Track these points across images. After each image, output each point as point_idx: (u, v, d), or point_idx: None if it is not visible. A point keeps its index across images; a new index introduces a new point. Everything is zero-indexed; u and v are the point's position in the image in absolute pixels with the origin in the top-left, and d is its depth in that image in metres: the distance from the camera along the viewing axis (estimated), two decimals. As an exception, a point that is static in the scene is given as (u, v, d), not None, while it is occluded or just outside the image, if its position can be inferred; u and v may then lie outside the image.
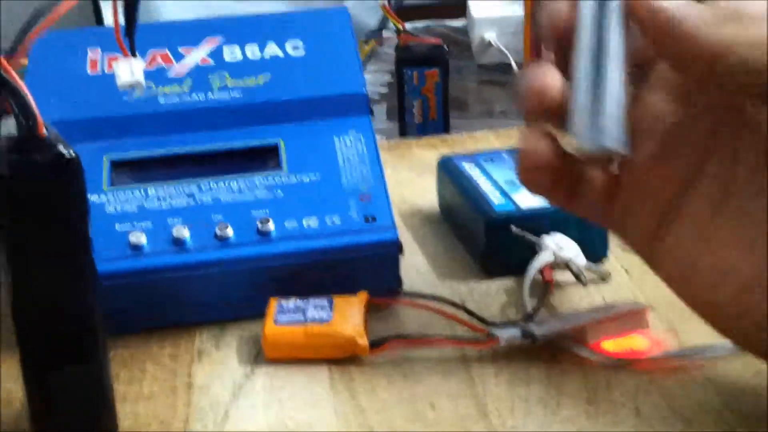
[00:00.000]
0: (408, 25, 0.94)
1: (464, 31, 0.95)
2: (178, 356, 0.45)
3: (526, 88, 0.35)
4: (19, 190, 0.34)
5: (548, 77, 0.35)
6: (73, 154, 0.35)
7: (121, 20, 0.40)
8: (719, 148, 0.35)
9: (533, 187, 0.37)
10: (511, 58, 0.82)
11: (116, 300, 0.44)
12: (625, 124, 0.35)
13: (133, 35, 0.40)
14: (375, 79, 0.85)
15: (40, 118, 0.34)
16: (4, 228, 0.35)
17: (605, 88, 0.34)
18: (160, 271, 0.45)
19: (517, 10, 0.83)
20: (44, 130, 0.34)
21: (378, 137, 0.53)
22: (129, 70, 0.39)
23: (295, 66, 0.53)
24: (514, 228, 0.48)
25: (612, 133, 0.34)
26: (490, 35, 0.84)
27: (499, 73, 0.84)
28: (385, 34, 0.87)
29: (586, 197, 0.37)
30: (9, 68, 0.33)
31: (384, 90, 0.84)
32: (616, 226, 0.38)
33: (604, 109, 0.34)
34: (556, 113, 0.35)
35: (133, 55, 0.39)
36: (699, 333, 0.41)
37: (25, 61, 0.46)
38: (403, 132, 0.71)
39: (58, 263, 0.36)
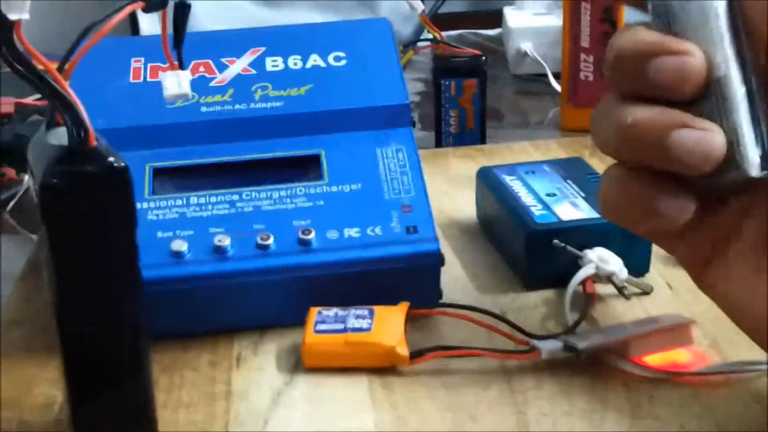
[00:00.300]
0: (443, 34, 0.94)
1: (499, 41, 0.95)
2: (216, 363, 0.45)
3: (694, 152, 0.32)
4: (70, 201, 0.34)
5: (715, 137, 0.32)
6: (123, 165, 0.35)
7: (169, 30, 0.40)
8: None
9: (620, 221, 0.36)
10: (547, 69, 0.82)
11: (156, 306, 0.44)
12: None
13: (181, 47, 0.40)
14: (409, 87, 0.85)
15: (91, 130, 0.34)
16: (52, 239, 0.35)
17: (759, 112, 0.33)
18: (200, 278, 0.45)
19: (555, 21, 0.83)
20: (95, 141, 0.34)
21: (413, 146, 0.53)
22: (176, 82, 0.39)
23: (337, 76, 0.53)
24: (555, 241, 0.48)
25: None
26: (527, 45, 0.84)
27: (535, 83, 0.84)
28: (421, 43, 0.87)
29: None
30: (62, 80, 0.33)
31: (417, 98, 0.84)
32: (671, 249, 0.38)
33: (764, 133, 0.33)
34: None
35: (182, 67, 0.40)
36: (743, 348, 0.41)
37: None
38: (439, 142, 0.71)
39: (106, 275, 0.36)
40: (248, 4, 0.91)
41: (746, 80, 0.33)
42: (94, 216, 0.35)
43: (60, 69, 0.34)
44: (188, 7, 0.40)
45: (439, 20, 0.88)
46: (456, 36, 0.99)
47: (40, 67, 0.33)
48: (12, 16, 0.31)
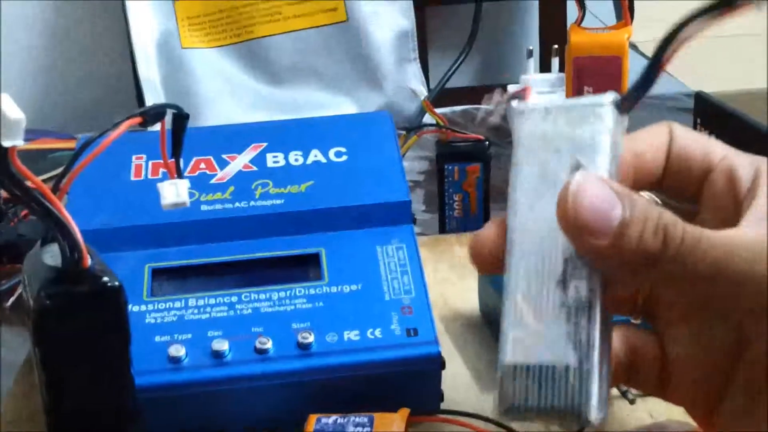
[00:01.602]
0: (447, 109, 0.94)
1: (504, 117, 0.95)
2: (215, 468, 0.44)
3: None
4: (63, 323, 0.34)
5: None
6: (117, 284, 0.35)
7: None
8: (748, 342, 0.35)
9: None
10: (551, 148, 0.82)
11: (155, 412, 0.43)
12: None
13: (179, 155, 0.40)
14: (413, 167, 0.85)
15: (85, 250, 0.34)
16: (44, 357, 0.35)
17: (607, 362, 0.34)
18: (199, 384, 0.45)
19: (558, 99, 0.83)
20: (88, 261, 0.34)
21: (416, 230, 0.52)
22: (174, 192, 0.39)
23: (338, 173, 0.53)
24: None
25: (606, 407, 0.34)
26: (531, 125, 0.84)
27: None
28: (425, 127, 0.87)
29: (643, 383, 0.38)
30: (56, 202, 0.33)
31: (421, 178, 0.84)
32: (676, 403, 0.39)
33: (608, 385, 0.34)
34: None
35: (180, 176, 0.40)
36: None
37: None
38: (443, 226, 0.70)
39: (98, 390, 0.36)
40: (253, 82, 0.92)
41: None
42: (86, 334, 0.35)
43: (54, 189, 0.34)
44: (186, 117, 0.40)
45: (444, 95, 0.88)
46: (461, 111, 0.99)
47: (34, 188, 0.33)
48: (6, 143, 0.31)
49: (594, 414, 0.33)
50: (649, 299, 0.39)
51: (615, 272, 0.34)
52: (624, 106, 0.35)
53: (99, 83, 1.03)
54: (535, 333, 0.35)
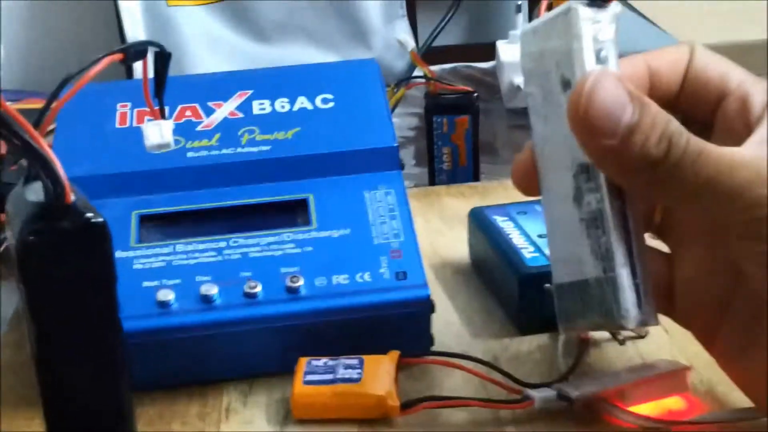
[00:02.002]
0: (436, 68, 0.93)
1: (493, 74, 0.94)
2: (206, 415, 0.44)
3: None
4: (47, 258, 0.33)
5: None
6: (101, 220, 0.34)
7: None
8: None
9: None
10: (541, 103, 0.81)
11: (143, 358, 0.43)
12: (653, 298, 0.36)
13: (162, 96, 0.39)
14: (403, 123, 0.85)
15: (67, 186, 0.33)
16: (30, 296, 0.34)
17: (640, 268, 0.35)
18: (187, 329, 0.44)
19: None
20: (71, 197, 0.33)
21: (407, 183, 0.52)
22: (158, 132, 0.39)
23: (325, 119, 0.53)
24: (547, 285, 0.47)
25: (651, 312, 0.36)
26: (520, 79, 0.84)
27: (528, 117, 0.84)
28: (413, 80, 0.86)
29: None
30: (38, 137, 0.32)
31: (412, 134, 0.84)
32: (681, 324, 0.40)
33: (643, 290, 0.35)
34: None
35: (163, 117, 0.39)
36: (739, 394, 0.40)
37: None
38: (432, 179, 0.70)
39: (85, 329, 0.36)
40: (241, 40, 0.91)
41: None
42: (71, 272, 0.35)
43: (36, 124, 0.33)
44: (169, 56, 0.39)
45: (433, 53, 0.88)
46: (450, 69, 0.98)
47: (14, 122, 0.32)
48: (-15, 74, 0.30)
49: (627, 318, 0.35)
50: (665, 218, 0.39)
51: (618, 177, 0.34)
52: (598, 0, 0.34)
53: (85, 45, 1.02)
54: (567, 252, 0.37)
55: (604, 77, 0.33)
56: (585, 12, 0.35)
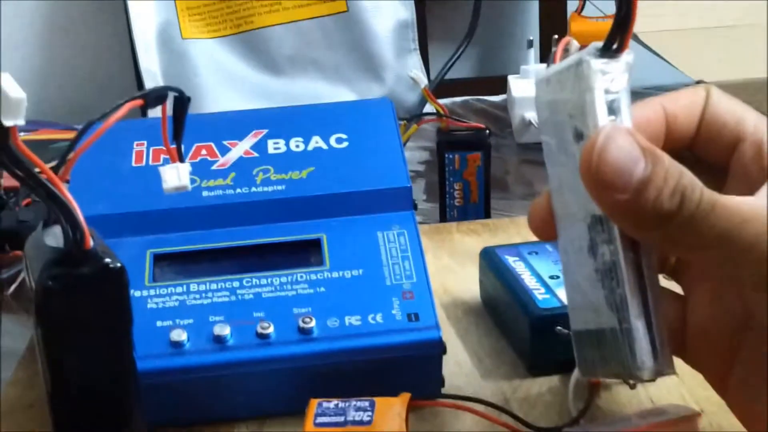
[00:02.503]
0: (447, 101, 0.94)
1: (504, 107, 0.95)
2: (217, 453, 0.45)
3: None
4: (65, 304, 0.34)
5: None
6: (119, 266, 0.35)
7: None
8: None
9: None
10: (552, 138, 0.82)
11: (156, 396, 0.43)
12: (669, 346, 0.36)
13: (180, 139, 0.40)
14: (413, 157, 0.85)
15: (87, 232, 0.34)
16: (47, 339, 0.35)
17: (655, 318, 0.35)
18: (200, 369, 0.45)
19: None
20: (90, 242, 0.34)
21: (418, 218, 0.52)
22: (176, 175, 0.39)
23: (339, 159, 0.53)
24: (558, 328, 0.47)
25: (667, 360, 0.36)
26: (531, 115, 0.84)
27: (539, 152, 0.84)
28: (425, 116, 0.87)
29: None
30: (59, 183, 0.33)
31: (422, 168, 0.84)
32: (694, 367, 0.40)
33: (659, 340, 0.35)
34: None
35: (181, 160, 0.40)
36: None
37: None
38: (443, 215, 0.70)
39: (100, 373, 0.36)
40: (253, 73, 0.92)
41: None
42: (89, 315, 0.35)
43: (56, 170, 0.34)
44: (188, 100, 0.40)
45: (445, 86, 0.88)
46: (461, 102, 0.99)
47: (36, 170, 0.33)
48: (7, 123, 0.31)
49: (643, 370, 0.35)
50: (679, 260, 0.39)
51: (631, 231, 0.34)
52: (610, 50, 0.34)
53: (100, 76, 1.03)
54: (584, 300, 0.37)
55: (615, 133, 0.33)
56: (596, 64, 0.34)
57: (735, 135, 0.37)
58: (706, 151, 0.38)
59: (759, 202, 0.34)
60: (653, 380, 0.46)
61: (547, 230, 0.39)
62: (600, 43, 0.35)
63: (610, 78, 0.35)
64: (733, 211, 0.33)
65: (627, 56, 0.35)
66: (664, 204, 0.32)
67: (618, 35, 0.34)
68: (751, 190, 0.35)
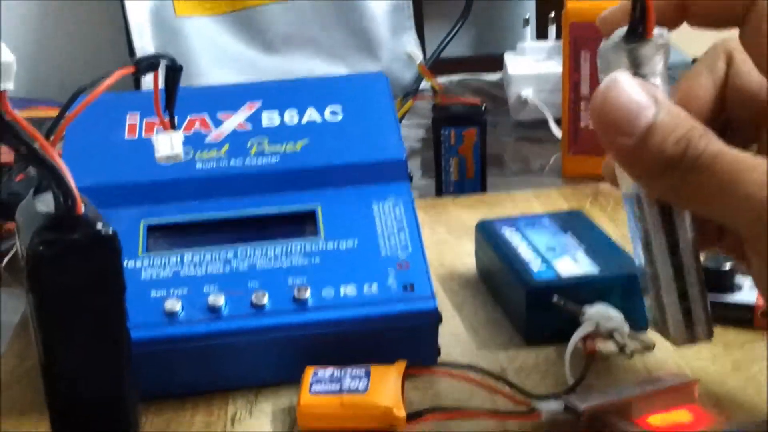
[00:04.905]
0: (443, 79, 0.94)
1: (500, 85, 0.94)
2: (211, 424, 0.44)
3: None
4: (57, 270, 0.34)
5: None
6: (111, 231, 0.34)
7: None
8: None
9: None
10: (548, 115, 0.82)
11: (150, 367, 0.43)
12: (708, 315, 0.38)
13: (173, 108, 0.40)
14: (410, 134, 0.85)
15: (78, 197, 0.33)
16: (39, 307, 0.34)
17: (691, 289, 0.37)
18: (194, 339, 0.45)
19: (554, 67, 0.83)
20: (82, 208, 0.34)
21: (414, 194, 0.52)
22: (168, 143, 0.39)
23: (334, 131, 0.53)
24: (555, 297, 0.47)
25: (703, 329, 0.38)
26: (527, 92, 0.84)
27: (535, 129, 0.84)
28: (422, 88, 0.87)
29: None
30: (50, 149, 0.33)
31: (418, 145, 0.84)
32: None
33: (694, 310, 0.37)
34: None
35: (173, 128, 0.39)
36: (746, 406, 0.40)
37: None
38: (440, 190, 0.70)
39: (93, 340, 0.36)
40: (248, 51, 0.91)
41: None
42: (81, 282, 0.35)
43: (47, 136, 0.34)
44: (180, 69, 0.39)
45: (441, 65, 0.88)
46: (457, 81, 0.99)
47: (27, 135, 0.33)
48: (-3, 86, 0.31)
49: (675, 337, 0.38)
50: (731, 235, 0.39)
51: (636, 177, 0.34)
52: (636, 35, 0.35)
53: (93, 54, 1.02)
54: (640, 264, 0.38)
55: (621, 78, 0.33)
56: (621, 46, 0.35)
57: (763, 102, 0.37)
58: (736, 117, 0.38)
59: (759, 157, 0.33)
60: (644, 344, 0.47)
61: (613, 181, 0.39)
62: (621, 31, 0.35)
63: (637, 61, 0.35)
64: (733, 161, 0.33)
65: (658, 38, 0.35)
66: (668, 149, 0.32)
67: (639, 23, 0.35)
68: None
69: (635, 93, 0.33)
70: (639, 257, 0.38)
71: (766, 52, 0.35)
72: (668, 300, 0.37)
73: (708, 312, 0.38)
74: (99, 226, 0.34)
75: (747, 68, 0.38)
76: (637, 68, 0.35)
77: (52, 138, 0.34)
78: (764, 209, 0.32)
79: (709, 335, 0.38)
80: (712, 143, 0.33)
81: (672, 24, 0.37)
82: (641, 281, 0.39)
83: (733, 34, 0.38)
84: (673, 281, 0.37)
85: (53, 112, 0.81)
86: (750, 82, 0.38)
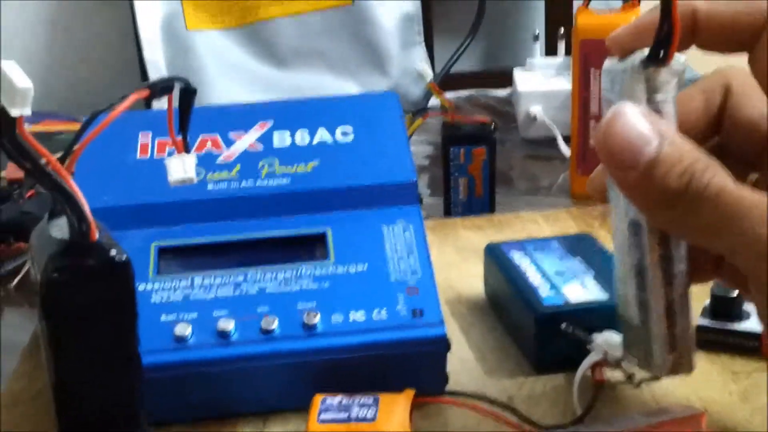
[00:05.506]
0: (452, 95, 0.94)
1: (509, 101, 0.94)
2: (219, 449, 0.44)
3: None
4: (70, 296, 0.34)
5: None
6: (125, 258, 0.34)
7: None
8: None
9: None
10: (557, 133, 0.82)
11: (159, 392, 0.43)
12: (694, 346, 0.37)
13: (186, 130, 0.40)
14: (418, 151, 0.85)
15: (93, 224, 0.33)
16: (52, 332, 0.34)
17: (680, 321, 0.37)
18: (204, 364, 0.44)
19: (564, 84, 0.83)
20: (96, 234, 0.34)
21: (422, 212, 0.52)
22: (181, 167, 0.39)
23: (344, 152, 0.53)
24: (564, 325, 0.47)
25: (688, 360, 0.37)
26: (536, 109, 0.84)
27: (544, 147, 0.84)
28: (431, 103, 0.87)
29: None
30: (65, 173, 0.33)
31: (426, 162, 0.84)
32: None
33: (681, 340, 0.37)
34: None
35: (187, 151, 0.39)
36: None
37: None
38: (448, 209, 0.70)
39: (105, 365, 0.36)
40: (257, 65, 0.91)
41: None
42: (94, 308, 0.35)
43: (62, 160, 0.34)
44: (194, 91, 0.39)
45: (449, 80, 0.88)
46: (466, 97, 0.99)
47: (42, 160, 0.33)
48: (14, 112, 0.31)
49: (656, 368, 0.37)
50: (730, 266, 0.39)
51: (642, 209, 0.35)
52: (657, 59, 0.34)
53: (104, 67, 1.02)
54: (621, 288, 0.38)
55: (625, 110, 0.33)
56: (640, 72, 0.35)
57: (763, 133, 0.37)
58: (736, 151, 0.38)
59: (761, 194, 0.33)
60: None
61: (599, 197, 0.39)
62: (642, 54, 0.35)
63: (654, 86, 0.35)
64: (736, 198, 0.32)
65: (676, 63, 0.35)
66: (671, 182, 0.32)
67: (662, 48, 0.34)
68: None
69: (640, 125, 0.33)
70: (620, 282, 0.38)
71: None
72: (657, 330, 0.37)
73: (693, 344, 0.37)
74: (113, 252, 0.34)
75: (747, 99, 0.38)
76: (652, 93, 0.35)
77: (67, 163, 0.34)
78: (765, 246, 0.32)
79: (693, 367, 0.38)
80: (716, 177, 0.33)
81: (681, 47, 0.37)
82: (619, 309, 0.39)
83: (734, 63, 0.38)
84: (664, 311, 0.37)
85: (64, 126, 0.81)
86: (751, 114, 0.38)
